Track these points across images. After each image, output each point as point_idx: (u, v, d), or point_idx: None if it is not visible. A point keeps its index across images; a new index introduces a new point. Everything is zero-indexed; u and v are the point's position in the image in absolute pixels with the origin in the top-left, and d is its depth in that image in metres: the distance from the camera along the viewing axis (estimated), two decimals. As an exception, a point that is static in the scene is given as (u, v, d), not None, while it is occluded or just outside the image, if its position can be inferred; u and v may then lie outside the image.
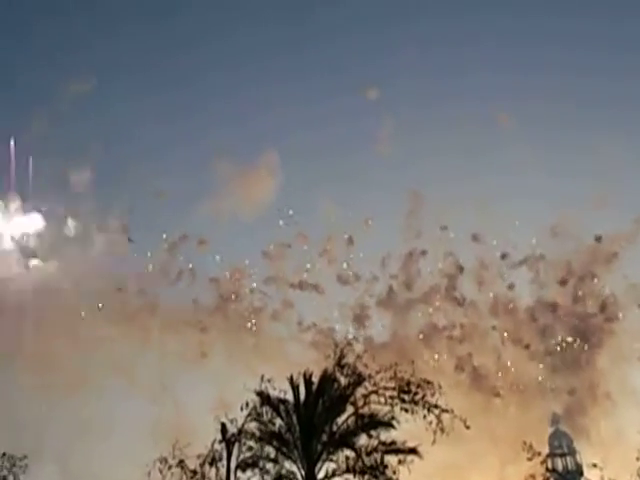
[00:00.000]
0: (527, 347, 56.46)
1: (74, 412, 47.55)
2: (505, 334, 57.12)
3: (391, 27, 61.22)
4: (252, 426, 35.65)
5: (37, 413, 47.12)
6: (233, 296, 55.03)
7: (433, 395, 36.07)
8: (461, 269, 57.82)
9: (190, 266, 55.78)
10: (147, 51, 58.31)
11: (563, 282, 57.08)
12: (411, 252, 57.95)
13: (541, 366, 56.50)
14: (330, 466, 35.25)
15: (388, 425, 35.90)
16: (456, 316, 58.59)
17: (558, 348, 56.24)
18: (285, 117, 57.14)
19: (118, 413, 48.00)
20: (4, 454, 33.42)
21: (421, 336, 59.43)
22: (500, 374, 57.63)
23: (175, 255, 56.45)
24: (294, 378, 36.36)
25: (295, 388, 36.28)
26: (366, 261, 57.59)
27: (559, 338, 56.31)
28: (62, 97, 55.36)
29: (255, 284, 55.95)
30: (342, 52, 62.95)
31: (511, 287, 58.28)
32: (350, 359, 36.90)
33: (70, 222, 56.14)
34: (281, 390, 36.08)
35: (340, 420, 35.97)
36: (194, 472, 35.17)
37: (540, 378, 56.32)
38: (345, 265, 57.08)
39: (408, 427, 36.17)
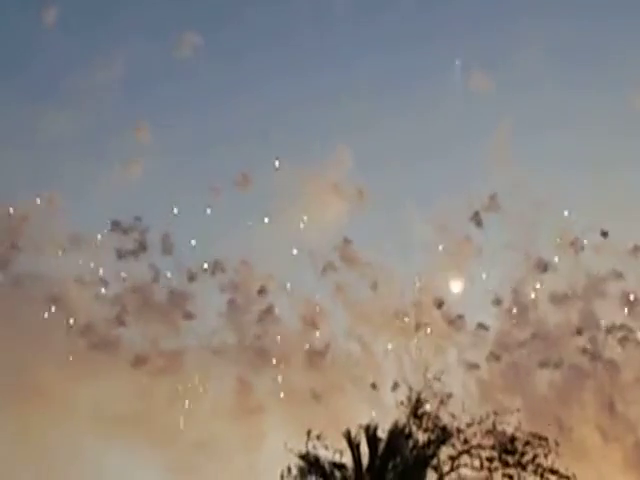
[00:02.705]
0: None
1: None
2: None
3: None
4: (297, 500, 26.84)
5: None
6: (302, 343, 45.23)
7: (547, 455, 27.10)
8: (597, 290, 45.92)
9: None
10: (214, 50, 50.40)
11: None
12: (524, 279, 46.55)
13: None
14: None
15: (486, 498, 26.53)
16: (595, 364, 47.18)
17: None
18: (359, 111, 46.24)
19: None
20: None
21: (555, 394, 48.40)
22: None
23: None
24: (353, 434, 27.20)
25: (355, 447, 27.07)
26: (470, 295, 46.02)
27: None
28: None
29: (328, 328, 45.31)
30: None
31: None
32: (430, 407, 27.86)
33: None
34: (336, 450, 27.07)
35: (419, 491, 26.78)
36: None
37: None
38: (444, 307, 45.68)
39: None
